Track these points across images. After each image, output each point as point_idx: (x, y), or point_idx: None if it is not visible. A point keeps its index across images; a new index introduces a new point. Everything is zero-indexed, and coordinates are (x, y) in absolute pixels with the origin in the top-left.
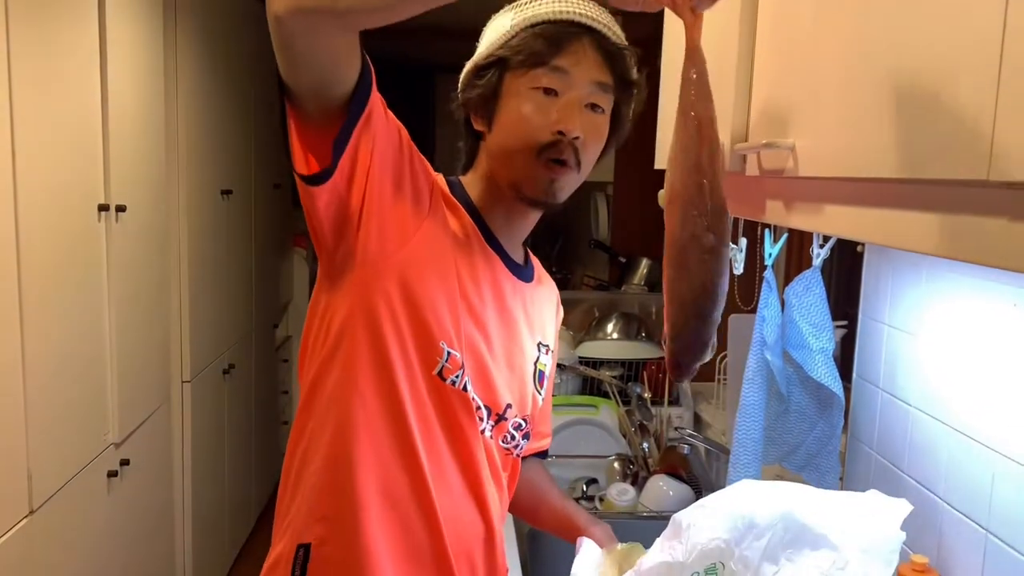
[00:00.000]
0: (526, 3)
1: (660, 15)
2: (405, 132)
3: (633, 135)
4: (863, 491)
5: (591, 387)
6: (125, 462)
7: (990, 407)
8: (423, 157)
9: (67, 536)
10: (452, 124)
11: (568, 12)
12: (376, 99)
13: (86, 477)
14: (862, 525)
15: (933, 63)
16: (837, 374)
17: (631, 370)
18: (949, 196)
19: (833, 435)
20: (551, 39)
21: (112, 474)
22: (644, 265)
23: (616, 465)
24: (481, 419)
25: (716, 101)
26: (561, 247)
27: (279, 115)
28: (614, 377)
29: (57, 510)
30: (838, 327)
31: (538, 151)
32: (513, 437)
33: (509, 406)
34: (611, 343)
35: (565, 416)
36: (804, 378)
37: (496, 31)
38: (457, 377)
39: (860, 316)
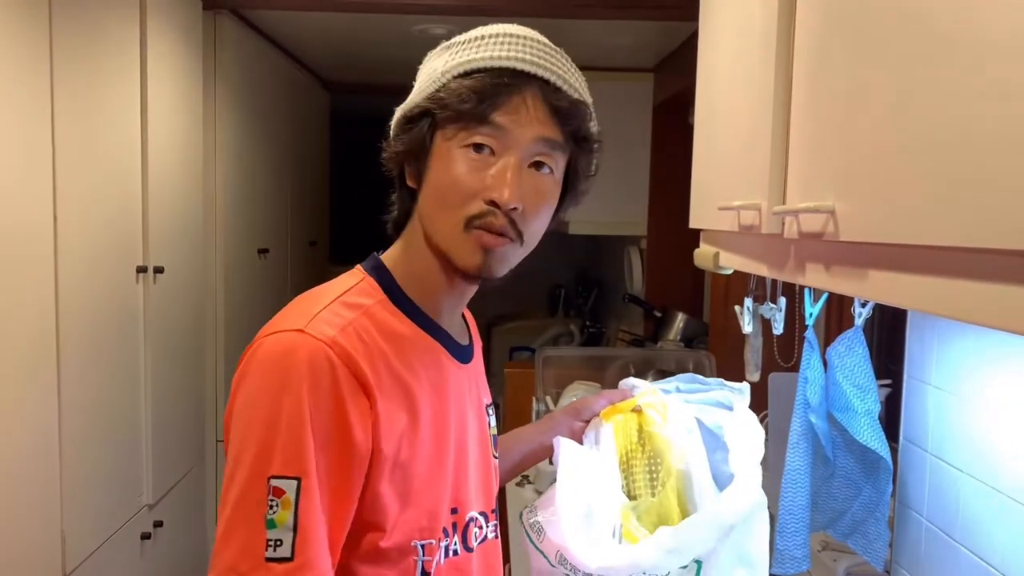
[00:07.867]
0: (464, 42)
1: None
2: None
3: (666, 188)
4: (917, 561)
5: None
6: (159, 524)
7: None
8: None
9: None
10: None
11: (508, 58)
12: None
13: (120, 539)
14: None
15: (982, 128)
16: (883, 437)
17: None
18: (1008, 266)
19: (881, 501)
20: (485, 92)
21: (145, 536)
22: (680, 319)
23: None
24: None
25: (752, 163)
26: (595, 301)
27: None
28: None
29: (91, 573)
30: (882, 386)
31: (466, 221)
32: (482, 527)
33: (482, 513)
34: None
35: None
36: (850, 441)
37: (427, 75)
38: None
39: (904, 376)
